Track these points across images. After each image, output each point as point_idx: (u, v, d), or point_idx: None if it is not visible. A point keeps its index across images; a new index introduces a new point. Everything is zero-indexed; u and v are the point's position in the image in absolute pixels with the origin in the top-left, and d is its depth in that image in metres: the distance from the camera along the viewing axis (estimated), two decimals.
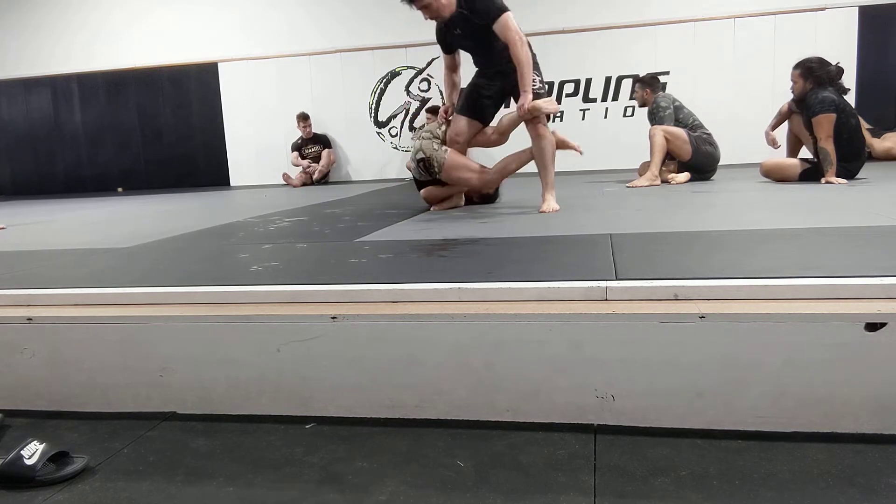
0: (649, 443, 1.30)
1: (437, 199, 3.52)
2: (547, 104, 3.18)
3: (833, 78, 4.06)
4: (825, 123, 3.94)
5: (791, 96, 4.31)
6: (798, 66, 4.17)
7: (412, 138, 3.51)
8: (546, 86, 3.33)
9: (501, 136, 3.47)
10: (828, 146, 3.93)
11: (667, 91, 5.23)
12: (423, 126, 3.48)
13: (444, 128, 3.43)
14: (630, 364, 1.36)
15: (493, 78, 3.31)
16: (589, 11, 6.77)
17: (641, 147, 4.99)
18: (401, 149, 7.52)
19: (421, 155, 3.34)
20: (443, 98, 7.24)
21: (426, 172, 3.40)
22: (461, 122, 3.37)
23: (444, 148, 3.34)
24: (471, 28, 3.16)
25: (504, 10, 3.08)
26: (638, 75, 6.72)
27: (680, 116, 4.63)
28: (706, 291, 1.43)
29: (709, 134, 4.60)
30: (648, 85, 4.88)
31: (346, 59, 7.44)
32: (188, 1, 7.81)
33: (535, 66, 3.22)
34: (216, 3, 7.73)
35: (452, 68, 3.45)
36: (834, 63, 4.11)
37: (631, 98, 6.62)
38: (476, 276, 1.66)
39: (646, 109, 4.83)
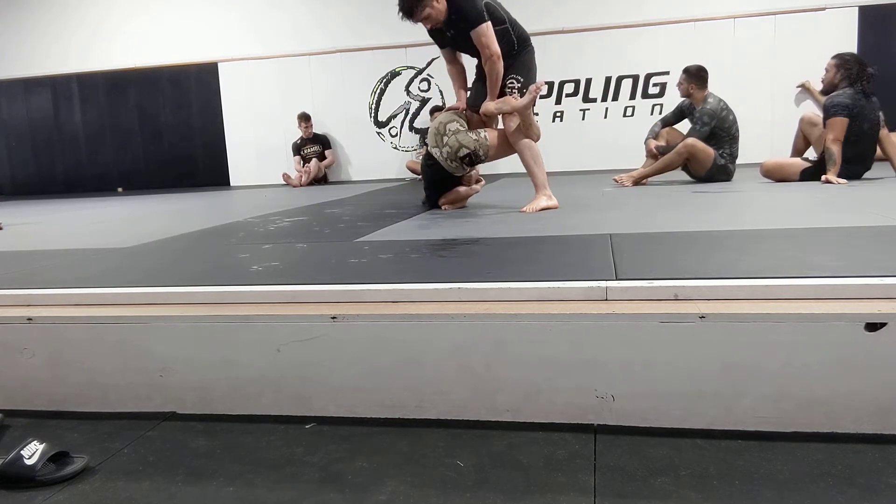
0: (649, 443, 1.30)
1: (459, 199, 3.53)
2: (499, 104, 3.17)
3: (862, 77, 4.07)
4: (837, 126, 4.01)
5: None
6: (836, 56, 4.20)
7: (431, 142, 3.33)
8: (528, 85, 3.24)
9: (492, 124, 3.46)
10: (834, 147, 3.99)
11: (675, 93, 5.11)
12: (439, 125, 3.32)
13: (462, 116, 3.35)
14: (630, 364, 1.36)
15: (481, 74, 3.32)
16: (589, 11, 6.77)
17: (641, 147, 4.99)
18: (401, 149, 7.52)
19: (465, 151, 3.21)
20: (443, 98, 7.27)
21: (469, 166, 3.33)
22: (476, 119, 3.38)
23: (482, 134, 3.26)
24: (460, 30, 3.18)
25: (482, 19, 3.09)
26: (638, 75, 6.77)
27: (725, 125, 4.47)
28: (706, 291, 1.43)
29: (734, 158, 4.52)
30: (695, 78, 4.58)
31: (346, 59, 7.44)
32: (188, 0, 7.81)
33: (521, 67, 3.24)
34: (216, 2, 7.73)
35: (452, 61, 3.46)
36: (871, 66, 4.11)
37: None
38: (476, 276, 1.66)
39: (649, 107, 4.74)
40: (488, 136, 3.25)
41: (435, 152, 3.30)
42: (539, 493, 1.14)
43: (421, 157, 3.73)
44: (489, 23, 3.10)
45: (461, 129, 3.27)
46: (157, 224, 3.71)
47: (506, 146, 3.28)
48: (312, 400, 1.52)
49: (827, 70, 4.25)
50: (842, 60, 4.17)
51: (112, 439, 1.46)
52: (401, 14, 3.12)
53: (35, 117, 8.45)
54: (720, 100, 4.54)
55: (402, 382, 1.47)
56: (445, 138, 3.24)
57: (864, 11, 6.19)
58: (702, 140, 4.45)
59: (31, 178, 8.60)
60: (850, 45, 6.15)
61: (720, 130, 4.48)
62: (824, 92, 4.33)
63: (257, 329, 1.54)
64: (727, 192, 3.81)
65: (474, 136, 3.23)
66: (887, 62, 6.26)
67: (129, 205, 5.61)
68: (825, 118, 4.12)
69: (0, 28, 8.32)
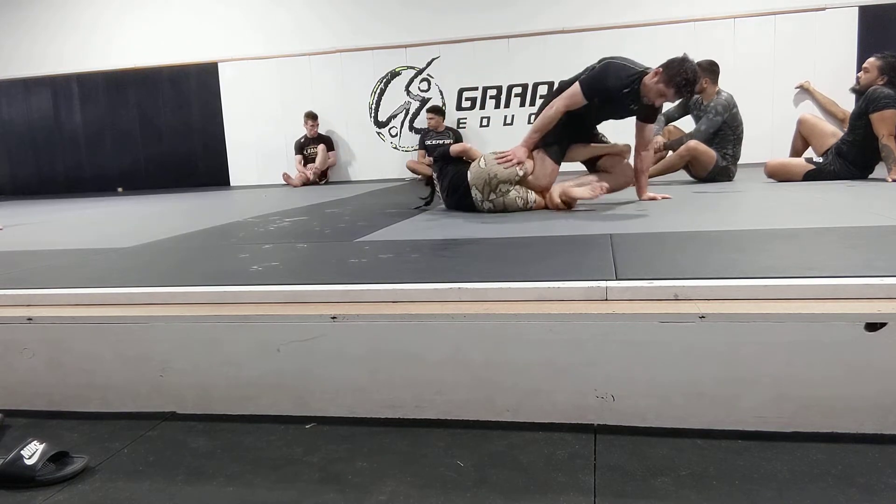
0: (649, 443, 1.30)
1: None
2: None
3: None
4: (889, 120, 3.86)
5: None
6: (881, 57, 4.04)
7: (475, 181, 3.30)
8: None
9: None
10: (890, 143, 3.87)
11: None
12: (491, 178, 3.25)
13: (517, 170, 3.28)
14: (630, 364, 1.36)
15: (585, 137, 3.50)
16: (588, 11, 6.77)
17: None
18: (401, 149, 7.52)
19: (508, 209, 3.31)
20: (442, 98, 7.26)
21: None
22: (555, 168, 3.40)
23: (531, 198, 3.31)
24: (643, 112, 3.42)
25: None
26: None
27: (734, 124, 4.45)
28: (706, 291, 1.43)
29: (736, 160, 4.51)
30: (708, 73, 4.43)
31: (346, 59, 7.44)
32: (188, 0, 7.82)
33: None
34: (216, 2, 7.73)
35: None
36: None
37: None
38: (476, 276, 1.66)
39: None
40: (533, 195, 3.32)
41: (475, 194, 3.29)
42: (539, 493, 1.14)
43: (434, 168, 3.63)
44: None
45: (510, 189, 3.28)
46: (157, 224, 3.71)
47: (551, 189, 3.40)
48: (312, 400, 1.52)
49: (867, 69, 4.07)
50: (886, 62, 3.99)
51: (112, 439, 1.46)
52: (683, 83, 3.23)
53: (35, 117, 8.45)
54: (732, 96, 4.51)
55: (402, 382, 1.47)
56: (493, 195, 3.28)
57: (864, 11, 6.18)
58: (711, 132, 4.43)
59: (31, 178, 8.60)
60: (850, 45, 6.16)
61: (728, 129, 4.45)
62: (860, 91, 4.16)
63: (257, 329, 1.53)
64: (728, 193, 3.81)
65: (521, 204, 3.30)
66: None
67: (129, 205, 5.60)
68: (874, 110, 3.90)
69: None
